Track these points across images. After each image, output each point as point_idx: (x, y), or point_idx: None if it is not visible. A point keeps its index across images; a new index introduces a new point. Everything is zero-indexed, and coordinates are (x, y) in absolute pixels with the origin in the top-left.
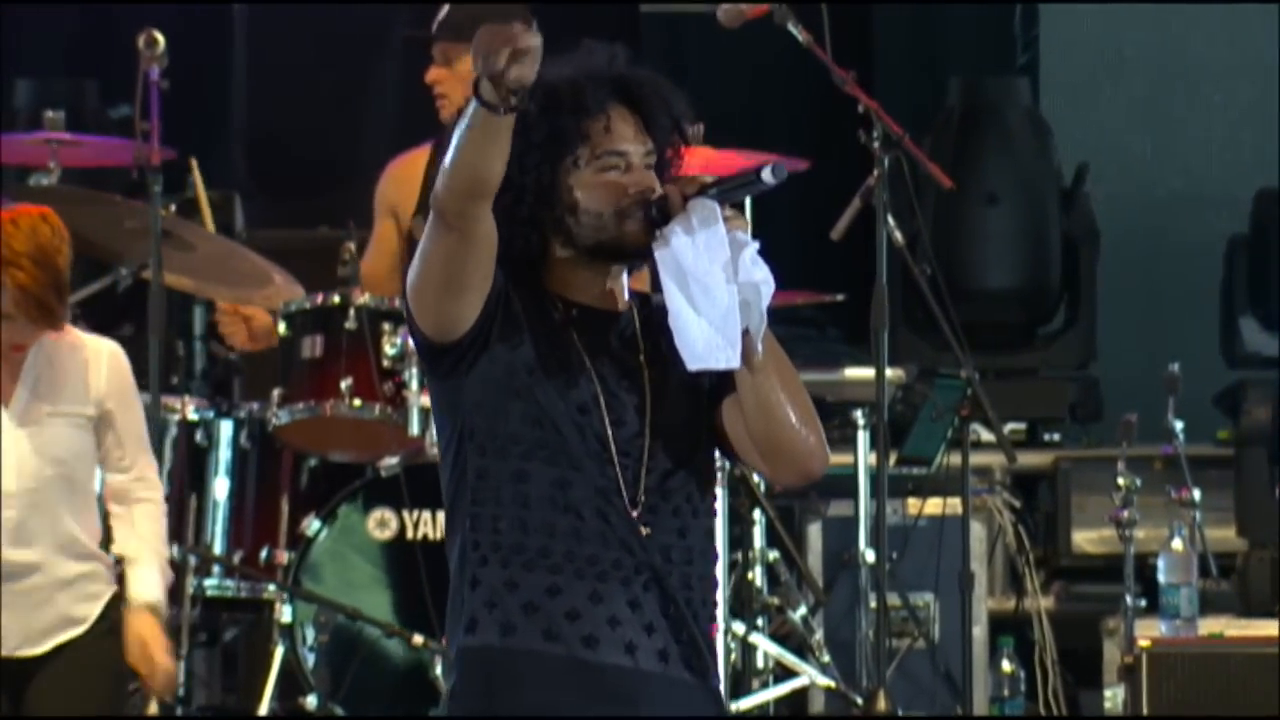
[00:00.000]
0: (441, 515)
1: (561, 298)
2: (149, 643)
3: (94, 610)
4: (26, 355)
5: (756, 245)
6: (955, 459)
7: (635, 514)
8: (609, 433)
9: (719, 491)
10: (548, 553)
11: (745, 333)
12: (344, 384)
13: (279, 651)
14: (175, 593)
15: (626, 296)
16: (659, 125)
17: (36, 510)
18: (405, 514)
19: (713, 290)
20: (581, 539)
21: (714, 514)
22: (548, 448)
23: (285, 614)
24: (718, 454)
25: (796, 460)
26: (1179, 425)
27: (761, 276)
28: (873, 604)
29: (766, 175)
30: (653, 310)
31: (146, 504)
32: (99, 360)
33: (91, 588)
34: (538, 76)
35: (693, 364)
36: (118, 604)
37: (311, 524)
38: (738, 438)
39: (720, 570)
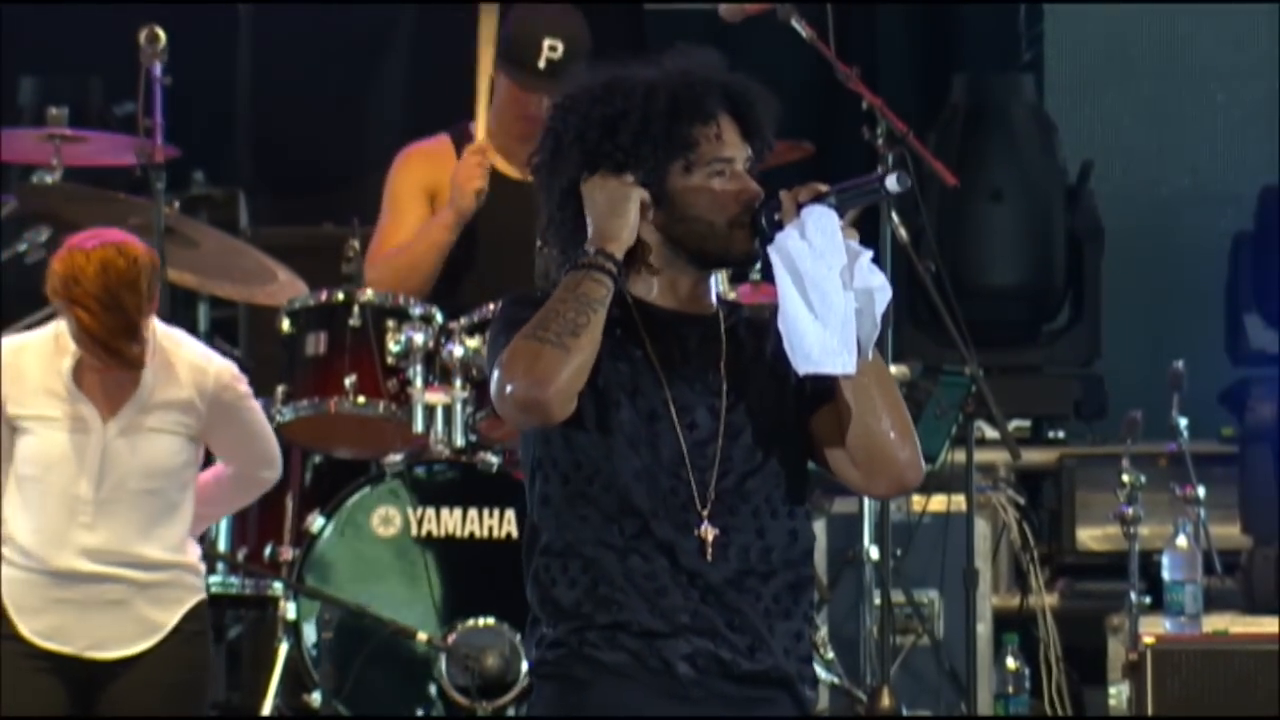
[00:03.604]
0: (444, 512)
1: (642, 301)
2: None
3: (174, 616)
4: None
5: (870, 254)
6: (960, 456)
7: (705, 513)
8: (680, 437)
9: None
10: (612, 566)
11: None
12: (348, 381)
13: (283, 648)
14: None
15: (714, 300)
16: (758, 132)
17: (113, 519)
18: (409, 511)
19: (830, 296)
20: (649, 545)
21: (800, 515)
22: (612, 461)
23: (289, 611)
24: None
25: (892, 471)
26: (1183, 422)
27: (879, 283)
28: (877, 601)
29: (891, 184)
30: (741, 317)
31: (258, 483)
32: (205, 378)
33: (172, 594)
34: (652, 79)
35: (805, 368)
36: (200, 611)
37: (316, 521)
38: (832, 447)
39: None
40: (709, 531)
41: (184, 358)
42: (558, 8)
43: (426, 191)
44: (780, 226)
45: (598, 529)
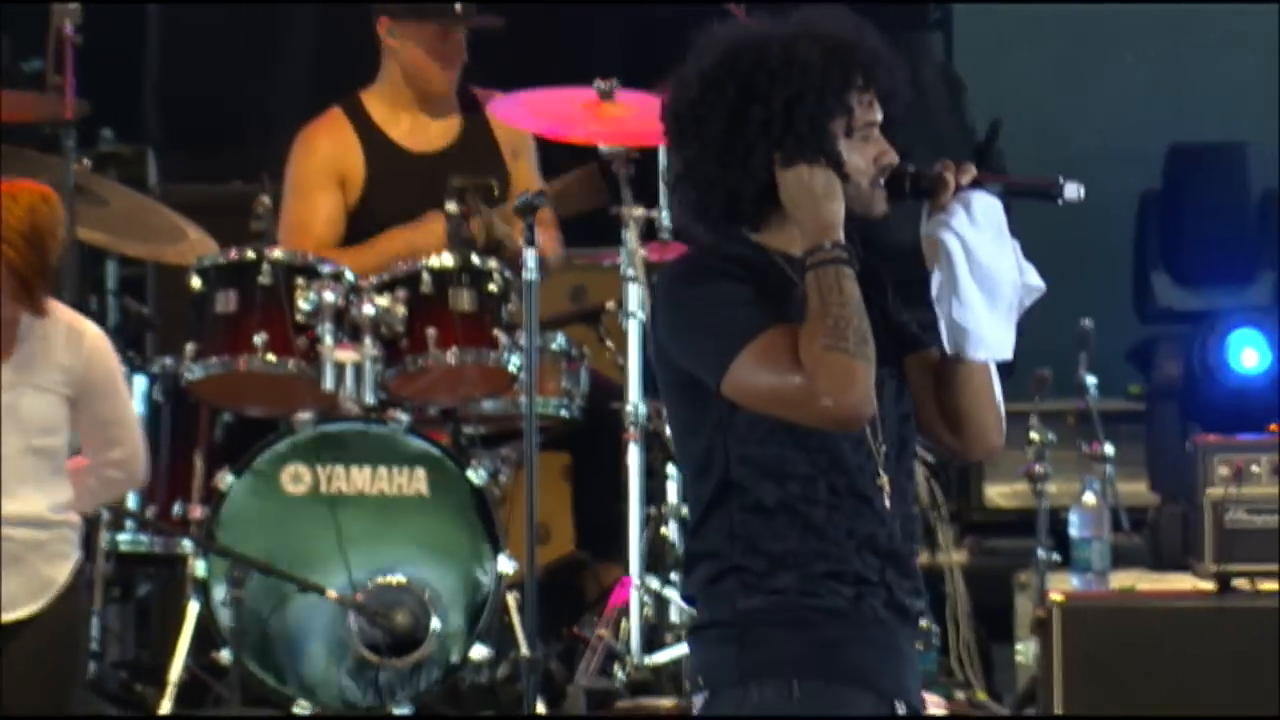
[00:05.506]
0: (354, 470)
1: (789, 255)
2: None
3: (64, 572)
4: (17, 329)
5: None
6: None
7: (880, 462)
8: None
9: (635, 449)
10: (822, 519)
11: None
12: (258, 339)
13: (193, 606)
14: (89, 547)
15: None
16: (894, 97)
17: (11, 477)
18: (319, 469)
19: (1002, 286)
20: (852, 500)
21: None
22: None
23: (199, 569)
24: None
25: (987, 436)
26: (1091, 380)
27: (1037, 283)
28: None
29: (1071, 192)
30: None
31: (113, 482)
32: (80, 341)
33: (60, 549)
34: (819, 51)
35: (978, 354)
36: (82, 567)
37: (225, 478)
38: (923, 404)
39: (635, 525)
40: (885, 481)
41: (62, 318)
42: None
43: (334, 174)
44: (926, 196)
45: (806, 485)
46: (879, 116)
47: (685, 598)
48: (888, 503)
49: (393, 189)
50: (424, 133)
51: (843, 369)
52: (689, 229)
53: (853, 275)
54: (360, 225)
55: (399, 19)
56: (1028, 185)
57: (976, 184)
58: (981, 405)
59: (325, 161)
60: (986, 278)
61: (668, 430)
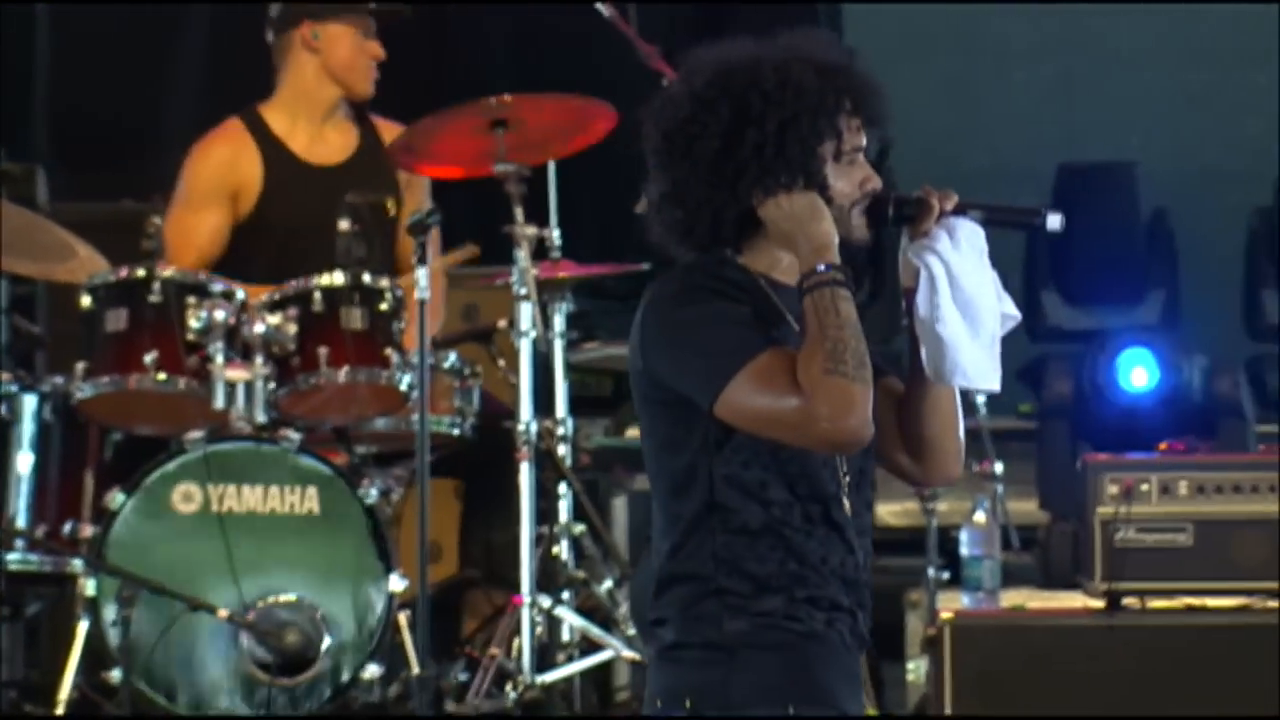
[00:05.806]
0: (245, 488)
1: (769, 278)
2: None
3: None
4: None
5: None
6: None
7: (845, 492)
8: None
9: (527, 467)
10: (801, 544)
11: None
12: (148, 358)
13: (82, 626)
14: None
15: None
16: (878, 122)
17: None
18: (210, 488)
19: (983, 314)
20: (826, 527)
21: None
22: (786, 448)
23: (89, 588)
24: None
25: (949, 463)
26: (981, 398)
27: (1013, 312)
28: None
29: (1053, 223)
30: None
31: None
32: None
33: None
34: (815, 75)
35: (957, 381)
36: None
37: (116, 498)
38: (884, 434)
39: (526, 543)
40: (849, 509)
41: None
42: None
43: (228, 187)
44: (908, 221)
45: (785, 510)
46: (864, 141)
47: (653, 620)
48: (853, 532)
49: (289, 200)
50: (324, 145)
51: (841, 392)
52: (671, 249)
53: (849, 297)
54: (255, 235)
55: (324, 20)
56: (1009, 214)
57: (959, 211)
58: (946, 433)
59: (219, 172)
60: (968, 303)
61: (560, 450)
